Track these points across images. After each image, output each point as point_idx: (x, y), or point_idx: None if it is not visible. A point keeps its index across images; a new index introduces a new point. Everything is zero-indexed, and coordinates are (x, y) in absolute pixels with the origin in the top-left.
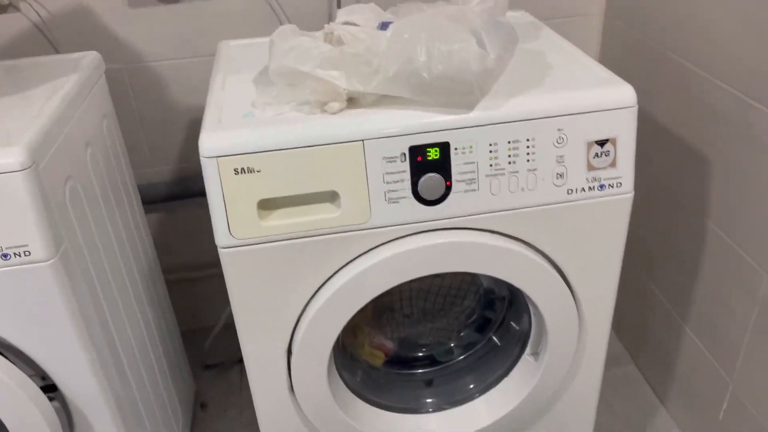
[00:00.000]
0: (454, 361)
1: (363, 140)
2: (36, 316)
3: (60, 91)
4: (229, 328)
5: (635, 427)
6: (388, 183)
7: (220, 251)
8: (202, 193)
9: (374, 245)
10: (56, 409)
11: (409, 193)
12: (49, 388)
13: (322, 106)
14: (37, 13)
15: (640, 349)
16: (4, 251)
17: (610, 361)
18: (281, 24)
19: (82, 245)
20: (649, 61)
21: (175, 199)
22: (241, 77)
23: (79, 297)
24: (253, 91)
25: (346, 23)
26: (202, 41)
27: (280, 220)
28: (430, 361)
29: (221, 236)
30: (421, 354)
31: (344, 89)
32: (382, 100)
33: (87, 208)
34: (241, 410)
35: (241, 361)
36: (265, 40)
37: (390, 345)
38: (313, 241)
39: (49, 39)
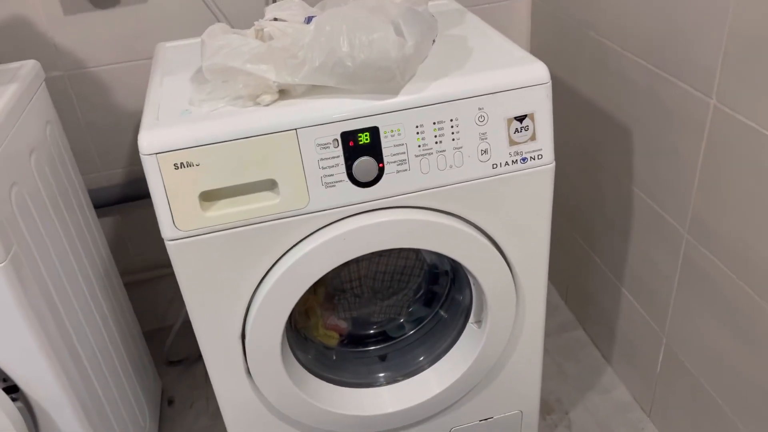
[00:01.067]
0: (406, 335)
1: (296, 129)
2: None
3: (0, 101)
4: (191, 324)
5: (584, 386)
6: (323, 168)
7: (167, 244)
8: None
9: (315, 229)
10: (20, 409)
11: (344, 176)
12: (11, 389)
13: (255, 99)
14: None
15: (586, 315)
16: None
17: (560, 328)
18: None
19: (32, 249)
20: (573, 40)
21: (128, 201)
22: (178, 77)
23: (32, 299)
24: (190, 89)
25: (275, 19)
26: (142, 44)
27: (223, 210)
28: (383, 337)
29: (167, 229)
30: (373, 331)
31: (274, 82)
32: (312, 91)
33: (35, 213)
34: (207, 402)
35: None
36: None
37: (343, 325)
38: (256, 229)
39: None
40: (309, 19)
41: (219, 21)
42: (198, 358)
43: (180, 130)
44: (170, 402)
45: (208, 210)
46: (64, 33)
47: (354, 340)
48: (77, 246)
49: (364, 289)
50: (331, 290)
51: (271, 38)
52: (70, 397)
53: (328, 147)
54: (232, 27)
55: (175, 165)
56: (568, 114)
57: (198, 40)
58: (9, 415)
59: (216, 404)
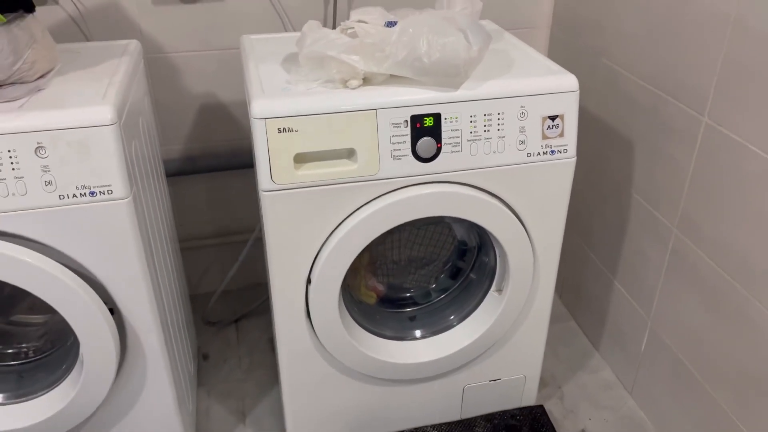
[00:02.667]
0: (432, 302)
1: (376, 109)
2: (112, 247)
3: (121, 69)
4: (227, 293)
5: (574, 368)
6: (393, 144)
7: (263, 194)
8: (206, 170)
9: (381, 193)
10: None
11: (409, 152)
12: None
13: (344, 83)
14: (75, 5)
15: (578, 308)
16: (92, 189)
17: (554, 319)
18: (284, 23)
19: (141, 194)
20: (586, 65)
21: (181, 175)
22: (268, 62)
23: (143, 234)
24: (282, 71)
25: (359, 21)
26: (215, 37)
27: (311, 170)
28: (414, 301)
29: (265, 182)
30: (407, 295)
31: (362, 70)
32: (391, 80)
33: (142, 167)
34: (239, 360)
35: (237, 320)
36: (280, 35)
37: (381, 287)
38: (334, 188)
39: (82, 30)
40: (390, 23)
41: (284, 22)
42: (231, 322)
43: (285, 101)
44: (205, 357)
45: (299, 169)
46: (150, 20)
47: (389, 301)
48: (159, 202)
49: (401, 257)
50: (374, 255)
51: (355, 36)
52: (157, 324)
53: (399, 126)
54: (293, 27)
55: (278, 129)
56: (578, 128)
57: (277, 35)
58: (111, 330)
59: (247, 362)
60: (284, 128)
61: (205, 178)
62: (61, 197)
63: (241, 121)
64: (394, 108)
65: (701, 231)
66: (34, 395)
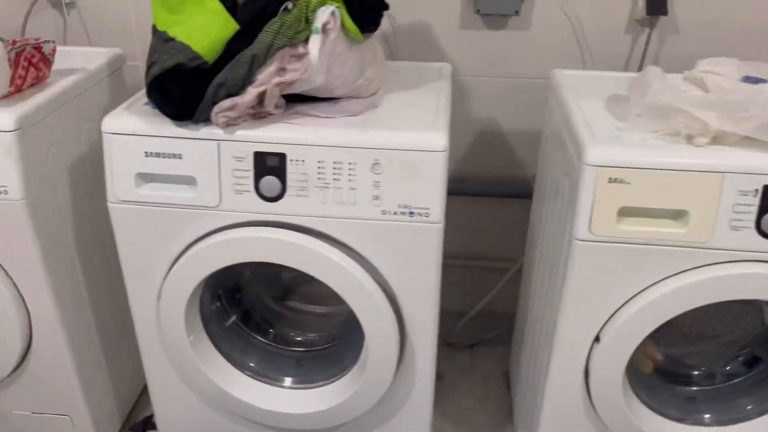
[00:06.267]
0: (716, 386)
1: (724, 173)
2: (415, 266)
3: (443, 95)
4: (463, 316)
5: None
6: (735, 212)
7: (575, 243)
8: (472, 194)
9: (706, 263)
10: None
11: (752, 224)
12: None
13: (690, 139)
14: (390, 23)
15: None
16: (412, 210)
17: None
18: (584, 59)
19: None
20: None
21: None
22: (589, 102)
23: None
24: (607, 115)
25: (709, 71)
26: (510, 64)
27: (634, 227)
28: (694, 380)
29: (581, 231)
30: (684, 371)
31: (714, 128)
32: (743, 142)
33: None
34: (471, 387)
35: (472, 345)
36: (590, 72)
37: (659, 356)
38: (655, 249)
39: (390, 46)
40: (748, 79)
41: (584, 58)
42: (466, 346)
43: (621, 150)
44: (440, 377)
45: (621, 223)
46: (454, 43)
47: (665, 373)
48: None
49: (693, 328)
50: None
51: (702, 86)
52: (433, 342)
53: (747, 195)
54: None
55: (609, 178)
56: None
57: (587, 72)
58: (395, 340)
59: (481, 392)
60: (616, 178)
61: (468, 201)
62: (384, 212)
63: (517, 150)
64: (746, 174)
65: None
66: (316, 384)
